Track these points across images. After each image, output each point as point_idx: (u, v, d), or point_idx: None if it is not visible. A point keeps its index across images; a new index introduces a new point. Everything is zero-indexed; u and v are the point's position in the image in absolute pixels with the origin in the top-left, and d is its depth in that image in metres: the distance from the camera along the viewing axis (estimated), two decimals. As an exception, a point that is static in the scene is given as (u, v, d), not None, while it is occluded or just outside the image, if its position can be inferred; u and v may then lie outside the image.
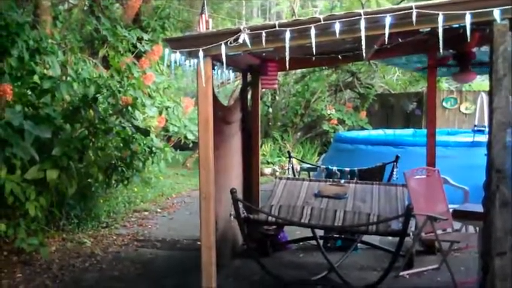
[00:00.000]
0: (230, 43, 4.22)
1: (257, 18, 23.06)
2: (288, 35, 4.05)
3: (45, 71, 6.76)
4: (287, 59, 4.10)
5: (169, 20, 11.65)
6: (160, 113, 9.11)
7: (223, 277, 5.42)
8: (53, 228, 7.60)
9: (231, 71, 6.78)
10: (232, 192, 5.14)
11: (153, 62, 8.84)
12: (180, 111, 9.98)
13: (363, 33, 3.94)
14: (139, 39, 9.94)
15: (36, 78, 6.52)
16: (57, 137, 6.37)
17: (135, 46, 9.77)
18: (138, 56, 9.13)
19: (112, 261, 6.65)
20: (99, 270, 6.33)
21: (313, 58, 5.59)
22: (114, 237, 7.72)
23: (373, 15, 3.94)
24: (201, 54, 4.29)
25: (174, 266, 6.42)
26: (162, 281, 5.89)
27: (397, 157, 7.02)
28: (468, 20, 3.75)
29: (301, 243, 6.99)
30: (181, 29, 13.36)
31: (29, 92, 6.54)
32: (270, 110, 16.96)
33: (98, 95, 7.01)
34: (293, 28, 4.07)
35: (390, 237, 6.05)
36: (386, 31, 3.90)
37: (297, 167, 8.31)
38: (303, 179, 6.71)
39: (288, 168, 7.53)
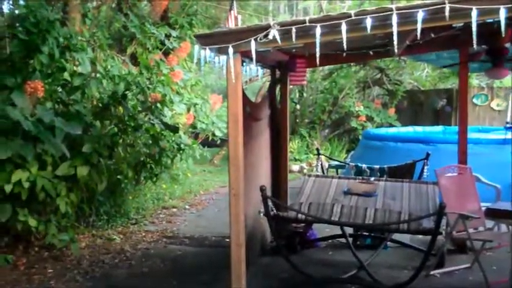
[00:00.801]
0: (260, 39, 4.19)
1: (284, 15, 22.99)
2: (318, 30, 4.01)
3: (75, 68, 6.82)
4: (317, 55, 4.06)
5: (196, 17, 11.66)
6: (188, 110, 9.14)
7: (252, 274, 5.40)
8: (82, 225, 7.68)
9: (259, 68, 6.76)
10: (262, 189, 5.11)
11: (181, 59, 8.86)
12: (207, 108, 10.00)
13: (394, 29, 3.88)
14: (167, 36, 9.97)
15: (66, 75, 6.59)
16: (87, 134, 6.42)
17: (163, 43, 9.80)
18: (166, 53, 9.16)
19: (141, 257, 6.68)
20: (129, 267, 6.36)
21: (344, 54, 5.54)
22: (143, 234, 7.75)
23: (405, 11, 3.88)
24: (230, 50, 4.28)
25: (203, 263, 6.43)
26: (192, 278, 5.90)
27: (428, 154, 6.92)
28: (503, 15, 3.66)
29: (330, 240, 6.94)
30: (208, 26, 13.38)
31: (59, 89, 6.61)
32: (298, 106, 16.92)
33: (127, 91, 7.05)
34: (324, 24, 4.02)
35: (420, 236, 5.98)
36: (419, 26, 3.83)
37: (325, 164, 8.25)
38: (332, 177, 6.67)
39: (317, 166, 7.48)
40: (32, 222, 6.07)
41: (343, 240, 6.46)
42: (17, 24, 6.39)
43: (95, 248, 7.04)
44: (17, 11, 7.45)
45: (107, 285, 5.80)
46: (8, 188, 5.62)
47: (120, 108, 7.03)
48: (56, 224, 6.42)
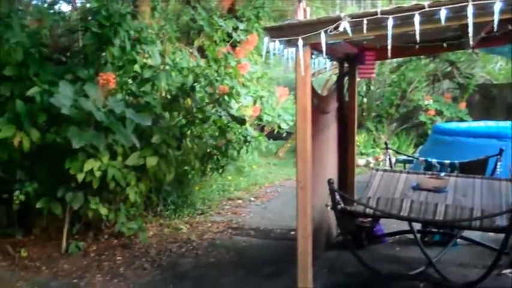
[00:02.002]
0: (330, 31, 4.14)
1: (351, 7, 22.73)
2: (390, 22, 3.93)
3: (144, 61, 6.94)
4: (389, 47, 3.98)
5: (263, 10, 11.66)
6: (254, 102, 9.16)
7: (317, 268, 5.37)
8: (150, 214, 7.84)
9: (327, 60, 6.70)
10: (330, 182, 5.06)
11: (248, 52, 8.89)
12: (274, 100, 10.00)
13: (470, 21, 3.75)
14: (235, 29, 10.01)
15: (136, 67, 6.72)
16: (156, 125, 6.53)
17: (229, 36, 9.85)
18: (232, 46, 9.21)
19: (207, 247, 6.76)
20: (195, 256, 6.45)
21: (416, 46, 5.42)
22: (209, 225, 7.84)
23: (482, 1, 3.75)
24: (300, 42, 4.25)
25: (268, 255, 6.44)
26: (257, 269, 5.92)
27: (501, 150, 6.69)
28: None
29: (397, 236, 6.82)
30: (275, 19, 13.36)
31: (130, 81, 6.75)
32: (365, 100, 16.67)
33: (196, 84, 7.13)
34: (396, 15, 3.94)
35: (492, 234, 5.80)
36: (496, 18, 3.69)
37: (393, 158, 8.08)
38: (400, 171, 6.53)
39: (385, 160, 7.34)
40: (103, 210, 6.24)
41: (410, 236, 6.33)
42: (89, 18, 6.56)
43: (162, 237, 7.18)
44: (88, 5, 7.67)
45: (174, 273, 5.90)
46: (80, 176, 5.80)
47: (189, 100, 7.12)
48: (125, 213, 6.58)
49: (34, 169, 6.24)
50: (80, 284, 5.60)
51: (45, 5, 8.47)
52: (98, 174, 5.85)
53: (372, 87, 16.75)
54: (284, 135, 11.17)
